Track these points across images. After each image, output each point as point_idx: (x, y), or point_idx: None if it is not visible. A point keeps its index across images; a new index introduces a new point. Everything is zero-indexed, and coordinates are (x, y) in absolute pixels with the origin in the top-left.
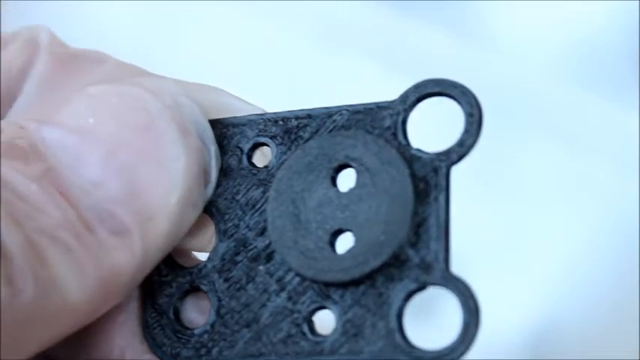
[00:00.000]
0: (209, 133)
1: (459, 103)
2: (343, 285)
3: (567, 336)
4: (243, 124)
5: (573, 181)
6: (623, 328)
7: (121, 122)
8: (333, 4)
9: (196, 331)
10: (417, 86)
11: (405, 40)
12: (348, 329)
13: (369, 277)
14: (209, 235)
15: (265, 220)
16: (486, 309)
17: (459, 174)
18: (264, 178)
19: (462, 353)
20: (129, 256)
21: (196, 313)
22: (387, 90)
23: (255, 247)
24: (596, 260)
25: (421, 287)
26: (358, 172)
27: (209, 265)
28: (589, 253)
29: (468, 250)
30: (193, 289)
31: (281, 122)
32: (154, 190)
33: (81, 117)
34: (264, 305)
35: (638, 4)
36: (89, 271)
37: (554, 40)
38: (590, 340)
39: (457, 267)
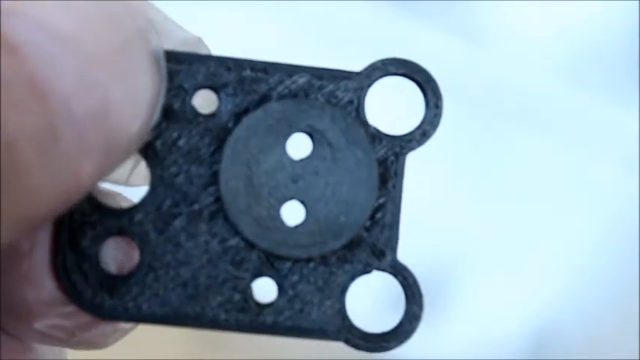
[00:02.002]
0: (164, 67)
1: (423, 89)
2: (294, 259)
3: (567, 336)
4: (192, 62)
5: (573, 182)
6: (623, 328)
7: (99, 36)
8: (333, 4)
9: (124, 281)
10: (383, 63)
11: (405, 40)
12: (294, 304)
13: (321, 256)
14: (128, 168)
15: (211, 174)
16: (487, 309)
17: (460, 174)
18: (211, 127)
19: (404, 340)
20: (88, 174)
21: (120, 262)
22: (387, 90)
23: (198, 202)
24: (597, 260)
25: (369, 272)
26: (317, 144)
27: (141, 212)
28: (589, 253)
29: (469, 251)
30: (121, 235)
31: (234, 69)
32: (123, 112)
33: (59, 19)
34: (203, 266)
35: (638, 5)
36: (53, 179)
37: (555, 41)
38: (590, 340)
39: (458, 267)
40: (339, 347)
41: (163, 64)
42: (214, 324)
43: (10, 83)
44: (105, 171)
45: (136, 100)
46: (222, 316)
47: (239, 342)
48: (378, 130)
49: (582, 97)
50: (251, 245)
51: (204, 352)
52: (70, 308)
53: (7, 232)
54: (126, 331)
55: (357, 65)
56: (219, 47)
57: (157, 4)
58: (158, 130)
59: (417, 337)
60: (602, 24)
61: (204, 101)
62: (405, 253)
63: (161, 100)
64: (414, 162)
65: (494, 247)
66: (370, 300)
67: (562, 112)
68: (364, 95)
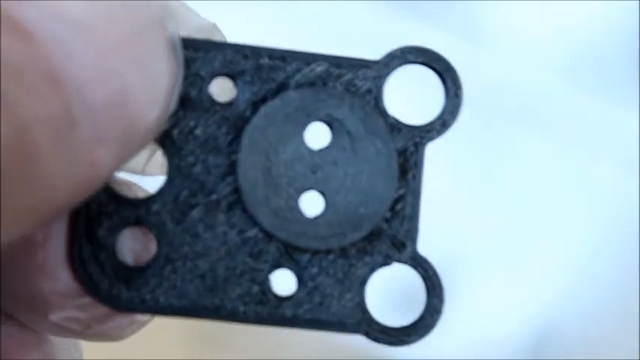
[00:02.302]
0: (180, 55)
1: (443, 78)
2: (313, 251)
3: (567, 336)
4: (209, 49)
5: (573, 182)
6: (623, 328)
7: (115, 24)
8: (333, 4)
9: (141, 272)
10: (402, 51)
11: (405, 40)
12: (313, 297)
13: (341, 248)
14: (144, 157)
15: (228, 164)
16: (487, 309)
17: (460, 174)
18: (228, 116)
19: (424, 334)
20: (104, 164)
21: (137, 253)
22: (387, 90)
23: (216, 192)
24: (597, 260)
25: (388, 264)
26: (336, 134)
27: (159, 203)
28: (589, 253)
29: (469, 251)
30: (138, 225)
31: (252, 57)
32: (140, 101)
33: (73, 7)
34: (221, 257)
35: (638, 5)
36: (70, 168)
37: (555, 41)
38: (590, 340)
39: (457, 267)
40: (339, 346)
41: (180, 52)
42: (233, 316)
43: (24, 69)
44: (122, 160)
45: (154, 88)
46: (241, 308)
47: (239, 342)
48: (397, 120)
49: (582, 97)
50: (269, 236)
51: (204, 352)
52: (86, 300)
53: (24, 223)
54: (142, 324)
55: None
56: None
57: None
58: (175, 119)
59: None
60: (602, 24)
61: (221, 89)
62: None
63: (178, 88)
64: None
65: (494, 247)
66: (381, 294)
67: (562, 112)
68: (383, 84)
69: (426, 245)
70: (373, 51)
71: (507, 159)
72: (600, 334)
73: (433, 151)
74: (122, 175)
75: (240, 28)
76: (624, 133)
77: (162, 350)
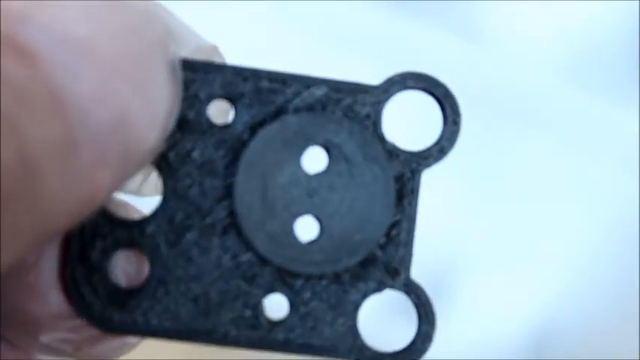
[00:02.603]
0: (179, 76)
1: (441, 105)
2: (306, 276)
3: (567, 336)
4: (208, 71)
5: (573, 182)
6: (623, 328)
7: (118, 46)
8: (333, 4)
9: (134, 295)
10: (402, 77)
11: (405, 40)
12: (306, 322)
13: (335, 273)
14: (140, 177)
15: (224, 187)
16: (487, 309)
17: (459, 174)
18: (225, 139)
19: (415, 359)
20: (103, 186)
21: (130, 275)
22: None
23: (211, 215)
24: (597, 260)
25: (381, 290)
26: (333, 159)
27: (153, 225)
28: (589, 253)
29: (469, 251)
30: (131, 247)
31: (251, 79)
32: (141, 124)
33: (73, 23)
34: (215, 281)
35: (638, 5)
36: (70, 191)
37: (555, 41)
38: (590, 340)
39: (457, 267)
40: None
41: (180, 73)
42: (225, 340)
43: (26, 92)
44: (121, 182)
45: (154, 111)
46: (233, 332)
47: None
48: (394, 146)
49: (582, 97)
50: (263, 261)
51: (203, 352)
52: (77, 321)
53: (23, 245)
54: (133, 345)
55: (357, 65)
56: (220, 48)
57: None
58: (172, 141)
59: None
60: (602, 24)
61: (218, 111)
62: None
63: (176, 110)
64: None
65: (494, 247)
66: (377, 314)
67: (562, 112)
68: (382, 109)
69: (425, 245)
70: (373, 51)
71: (507, 159)
72: (600, 334)
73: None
74: (117, 196)
75: (240, 28)
76: (624, 133)
77: (161, 350)
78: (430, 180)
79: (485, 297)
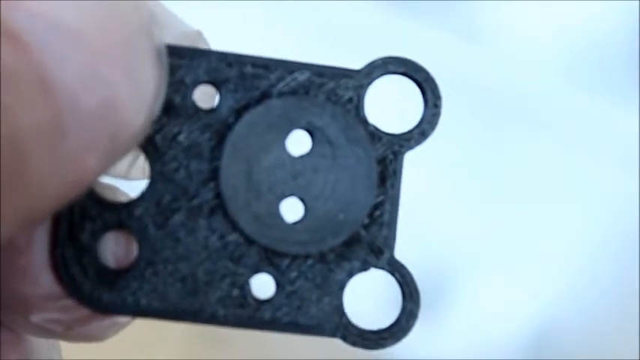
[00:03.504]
0: (165, 61)
1: (422, 88)
2: (292, 256)
3: (567, 336)
4: (193, 57)
5: (573, 181)
6: (623, 328)
7: (104, 32)
8: (332, 4)
9: (123, 275)
10: (383, 61)
11: (405, 40)
12: (292, 301)
13: (320, 253)
14: (127, 161)
15: (210, 170)
16: (487, 309)
17: (459, 174)
18: (211, 123)
19: (400, 337)
20: (91, 169)
21: (118, 256)
22: (387, 90)
23: (197, 198)
24: (597, 260)
25: (366, 269)
26: (316, 142)
27: (141, 207)
28: (589, 253)
29: (469, 251)
30: (120, 228)
31: (235, 65)
32: (128, 108)
33: (60, 10)
34: (202, 262)
35: (638, 5)
36: (58, 176)
37: (555, 41)
38: (590, 340)
39: (458, 267)
40: (338, 346)
41: (165, 59)
42: (213, 319)
43: (15, 75)
44: (108, 165)
45: (141, 95)
46: (221, 311)
47: (238, 341)
48: (377, 129)
49: (582, 97)
50: (250, 241)
51: (203, 352)
52: (68, 302)
53: (10, 227)
54: (123, 325)
55: (357, 65)
56: (216, 46)
57: None
58: (158, 125)
59: (417, 337)
60: (602, 24)
61: (204, 95)
62: (404, 253)
63: (162, 95)
64: (414, 162)
65: (494, 247)
66: (370, 297)
67: (562, 112)
68: (364, 93)
69: (425, 245)
70: (373, 51)
71: (507, 159)
72: (600, 334)
73: (432, 152)
74: (105, 179)
75: (239, 28)
76: (624, 133)
77: (160, 349)
78: (429, 180)
79: (485, 297)
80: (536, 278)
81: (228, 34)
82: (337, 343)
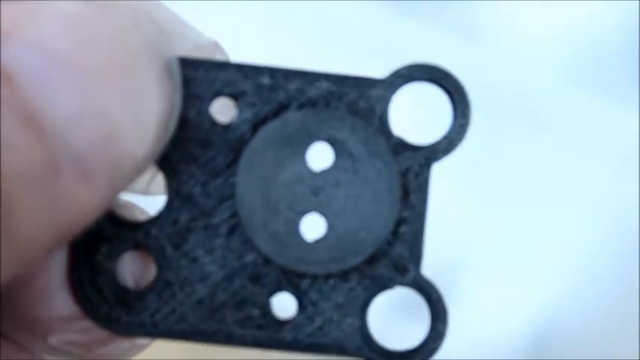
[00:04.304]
0: (178, 77)
1: (451, 96)
2: (312, 275)
3: (567, 336)
4: (208, 70)
5: (573, 182)
6: (623, 328)
7: (100, 57)
8: (332, 4)
9: (140, 297)
10: (408, 69)
11: (405, 40)
12: (313, 321)
13: (341, 272)
14: (146, 177)
15: (228, 187)
16: (487, 309)
17: (459, 174)
18: (228, 138)
19: (427, 358)
20: (89, 204)
21: (138, 276)
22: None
23: (215, 216)
24: (597, 260)
25: (391, 287)
26: (338, 155)
27: (158, 226)
28: (589, 253)
29: (469, 251)
30: (137, 249)
31: (253, 76)
32: (128, 135)
33: (56, 38)
34: (220, 282)
35: (638, 5)
36: (51, 217)
37: (555, 41)
38: (590, 340)
39: (457, 267)
40: None
41: (177, 73)
42: (232, 340)
43: (1, 117)
44: (114, 194)
45: (144, 120)
46: (240, 332)
47: None
48: (402, 140)
49: (582, 97)
50: (268, 261)
51: (203, 352)
52: (86, 323)
53: (4, 274)
54: (142, 347)
55: (357, 65)
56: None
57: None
58: (174, 141)
59: (417, 337)
60: (602, 24)
61: (224, 108)
62: None
63: (177, 111)
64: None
65: (494, 247)
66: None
67: (562, 112)
68: (388, 103)
69: (425, 245)
70: (373, 51)
71: (507, 159)
72: (600, 334)
73: None
74: (124, 197)
75: (240, 28)
76: (624, 133)
77: (160, 349)
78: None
79: (485, 297)
80: (536, 278)
81: (228, 35)
82: None
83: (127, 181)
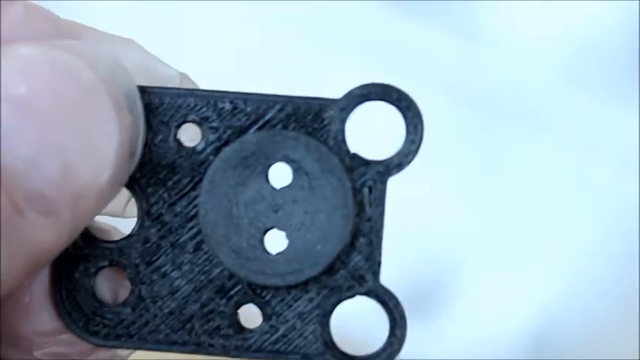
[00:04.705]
0: (139, 106)
1: (403, 113)
2: (274, 287)
3: (567, 336)
4: (172, 98)
5: (573, 181)
6: (623, 328)
7: (55, 96)
8: (333, 4)
9: (116, 310)
10: (361, 89)
11: (405, 40)
12: (277, 329)
13: (302, 283)
14: (123, 201)
15: (193, 207)
16: (487, 309)
17: (459, 174)
18: (193, 161)
19: None
20: (56, 235)
21: (114, 291)
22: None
23: (183, 234)
24: (596, 260)
25: (351, 296)
26: (295, 174)
27: (131, 245)
28: (589, 253)
29: (469, 251)
30: (112, 266)
31: (214, 103)
32: (87, 169)
33: (12, 84)
34: (189, 295)
35: (638, 5)
36: (17, 254)
37: (555, 41)
38: (590, 340)
39: (458, 267)
40: (339, 345)
41: (139, 103)
42: (202, 350)
43: None
44: (80, 222)
45: (100, 152)
46: (209, 342)
47: None
48: (357, 156)
49: (582, 97)
50: (233, 275)
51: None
52: (69, 337)
53: None
54: (123, 358)
55: (356, 65)
56: (217, 47)
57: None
58: (142, 166)
59: (417, 337)
60: (602, 24)
61: (194, 134)
62: (404, 254)
63: (142, 137)
64: (414, 162)
65: (494, 247)
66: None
67: (562, 112)
68: (343, 123)
69: (425, 245)
70: (373, 51)
71: (507, 159)
72: (600, 334)
73: (432, 151)
74: (102, 219)
75: (237, 29)
76: (624, 133)
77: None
78: (429, 179)
79: (485, 297)
80: (536, 278)
81: (225, 35)
82: (339, 341)
83: (92, 209)
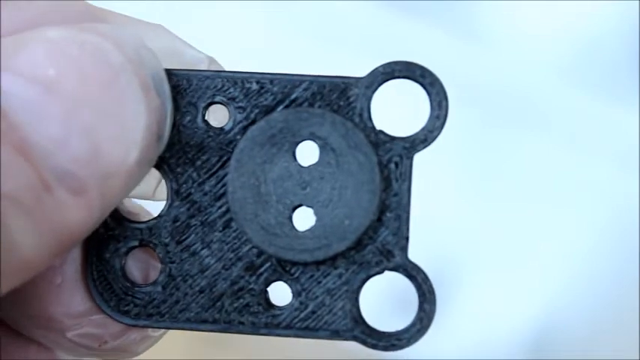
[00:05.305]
0: (167, 88)
1: (427, 90)
2: (303, 263)
3: (568, 335)
4: (200, 80)
5: (573, 181)
6: (623, 328)
7: (83, 77)
8: (332, 4)
9: (146, 289)
10: (385, 67)
11: (405, 40)
12: (306, 306)
13: (330, 259)
14: (153, 183)
15: (222, 186)
16: (487, 309)
17: (459, 174)
18: (221, 141)
19: (417, 338)
20: (86, 215)
21: (145, 271)
22: (387, 90)
23: (212, 213)
24: (596, 260)
25: (380, 272)
26: (322, 151)
27: (160, 225)
28: (589, 253)
29: (469, 250)
30: (142, 246)
31: (241, 83)
32: (115, 149)
33: (41, 66)
34: (219, 273)
35: (638, 5)
36: (47, 232)
37: (555, 41)
38: (590, 340)
39: (458, 267)
40: (337, 347)
41: (166, 85)
42: (232, 327)
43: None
44: (109, 202)
45: (128, 132)
46: (239, 319)
47: (239, 341)
48: (383, 133)
49: (582, 97)
50: (262, 252)
51: (204, 352)
52: (101, 317)
53: (6, 286)
54: (156, 338)
55: (356, 65)
56: (217, 47)
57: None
58: (171, 146)
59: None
60: (602, 24)
61: (214, 113)
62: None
63: (170, 119)
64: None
65: (494, 247)
66: (384, 298)
67: (562, 112)
68: (368, 100)
69: (425, 245)
70: (373, 51)
71: (507, 159)
72: (600, 333)
73: (432, 151)
74: (133, 201)
75: (238, 29)
76: (624, 133)
77: (161, 349)
78: (429, 179)
79: (485, 296)
80: (536, 278)
81: (228, 35)
82: (338, 343)
83: (121, 189)
